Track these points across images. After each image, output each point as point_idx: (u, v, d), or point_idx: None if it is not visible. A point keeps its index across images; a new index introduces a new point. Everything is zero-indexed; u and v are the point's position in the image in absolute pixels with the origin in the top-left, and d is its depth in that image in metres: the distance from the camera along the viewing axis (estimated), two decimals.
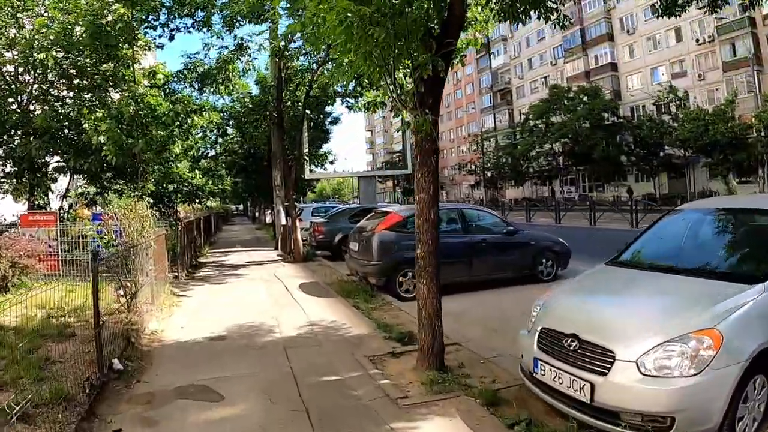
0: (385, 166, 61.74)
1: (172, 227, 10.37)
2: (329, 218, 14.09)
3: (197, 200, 15.14)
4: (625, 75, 41.89)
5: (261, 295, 8.20)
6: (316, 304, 7.47)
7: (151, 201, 13.25)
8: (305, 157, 11.94)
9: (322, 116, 18.30)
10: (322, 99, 12.75)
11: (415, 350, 4.55)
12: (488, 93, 54.15)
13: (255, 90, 15.69)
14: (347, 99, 13.70)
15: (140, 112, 10.40)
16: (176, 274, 9.73)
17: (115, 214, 6.36)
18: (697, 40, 37.44)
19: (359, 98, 13.32)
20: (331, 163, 20.31)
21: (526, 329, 3.70)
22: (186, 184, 15.05)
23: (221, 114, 18.21)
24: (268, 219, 28.72)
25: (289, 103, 12.29)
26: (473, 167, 48.65)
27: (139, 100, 10.29)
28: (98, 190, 13.55)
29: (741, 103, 32.84)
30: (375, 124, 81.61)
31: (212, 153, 19.42)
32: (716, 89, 36.63)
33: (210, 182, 14.51)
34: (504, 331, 5.33)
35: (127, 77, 11.28)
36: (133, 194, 11.80)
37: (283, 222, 14.95)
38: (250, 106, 13.01)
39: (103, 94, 11.39)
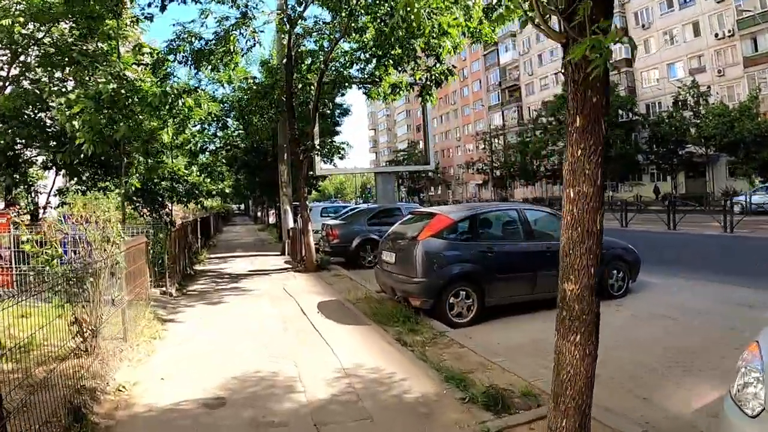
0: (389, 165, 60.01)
1: (163, 232, 8.51)
2: (345, 220, 12.20)
3: (194, 200, 13.19)
4: (640, 71, 40.04)
5: (270, 322, 6.30)
6: (346, 336, 5.58)
7: (138, 200, 11.46)
8: (317, 149, 10.05)
9: (332, 106, 16.43)
10: (339, 81, 10.86)
11: (522, 425, 2.70)
12: (496, 90, 52.28)
13: (258, 76, 13.79)
14: (365, 85, 11.79)
15: (122, 91, 8.50)
16: (164, 288, 7.85)
17: (69, 217, 4.48)
18: (716, 35, 35.63)
19: (379, 83, 11.42)
20: (342, 158, 18.45)
21: (734, 399, 1.90)
22: (182, 182, 13.15)
23: (221, 105, 16.35)
24: (272, 219, 26.82)
25: (300, 86, 10.44)
26: (482, 166, 46.77)
27: (119, 76, 8.38)
28: (81, 187, 11.65)
29: (765, 100, 31.09)
30: (378, 122, 79.72)
31: (211, 147, 17.52)
32: (736, 85, 34.88)
33: (208, 180, 12.62)
34: (634, 383, 3.48)
35: (109, 51, 9.37)
36: (115, 192, 9.95)
37: (291, 224, 13.06)
38: (255, 88, 11.10)
39: (82, 73, 9.48)
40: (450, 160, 61.38)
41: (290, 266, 11.22)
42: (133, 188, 8.69)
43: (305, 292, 8.20)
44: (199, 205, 12.92)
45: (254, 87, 10.32)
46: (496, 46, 51.75)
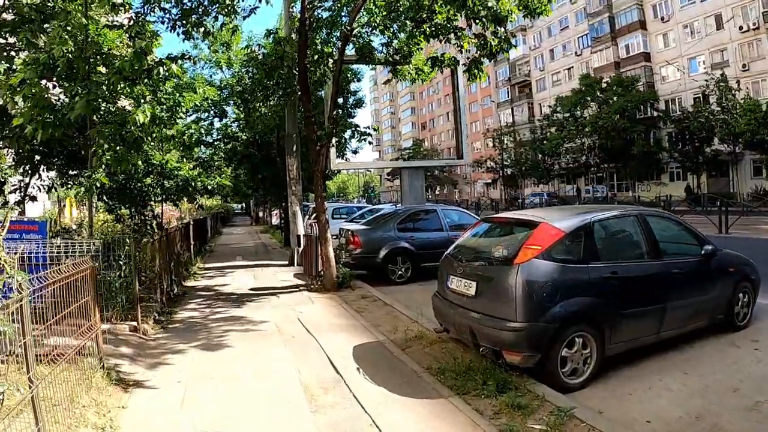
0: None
1: (131, 244, 6.23)
2: (370, 224, 9.92)
3: (187, 198, 10.86)
4: (659, 65, 37.80)
5: (289, 388, 4.00)
6: (413, 422, 3.32)
7: (113, 200, 9.17)
8: (341, 134, 7.75)
9: (346, 93, 14.15)
10: (365, 51, 8.54)
11: None
12: (506, 86, 50.01)
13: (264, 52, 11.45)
14: (394, 58, 9.46)
15: (82, 56, 6.21)
16: (136, 323, 5.57)
17: None
18: (741, 28, 33.49)
19: (408, 59, 9.14)
20: (355, 152, 16.21)
21: None
22: (173, 177, 10.83)
23: (220, 92, 14.06)
24: (274, 220, 24.53)
25: (315, 57, 8.17)
26: (492, 164, 44.51)
27: (77, 33, 6.09)
28: (44, 182, 9.35)
29: None
30: (381, 120, 77.32)
31: (208, 140, 15.20)
32: (762, 80, 32.78)
33: (203, 175, 10.27)
34: None
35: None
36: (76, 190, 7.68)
37: (301, 229, 10.78)
38: (260, 59, 8.77)
39: (34, 34, 7.16)
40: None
41: (303, 283, 8.93)
42: (98, 185, 6.40)
43: (330, 326, 5.92)
44: (195, 205, 10.56)
45: (259, 58, 8.10)
46: None
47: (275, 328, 5.84)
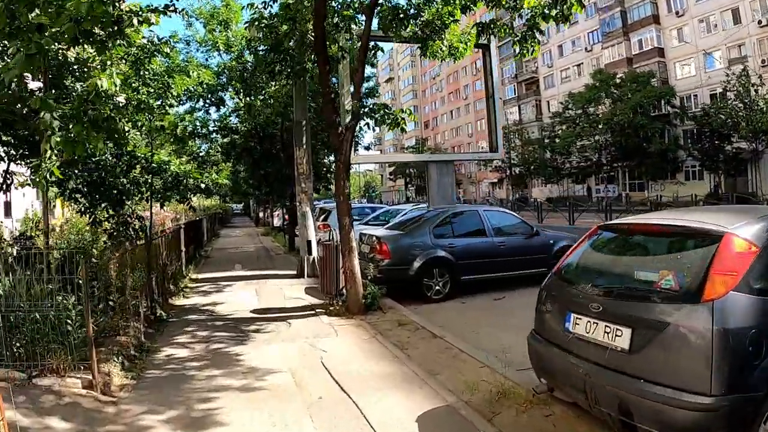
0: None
1: (82, 259, 4.47)
2: (400, 229, 8.13)
3: (178, 197, 8.96)
4: (673, 61, 36.18)
5: None
6: None
7: (82, 198, 7.37)
8: (372, 113, 5.94)
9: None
10: (397, 18, 6.77)
11: None
12: (512, 83, 48.33)
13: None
14: (423, 33, 7.66)
15: None
16: (92, 377, 3.79)
17: None
18: (759, 22, 31.92)
19: (443, 32, 7.39)
20: (367, 149, 14.45)
21: None
22: (163, 174, 9.02)
23: (217, 78, 12.29)
24: (276, 221, 22.73)
25: (335, 21, 6.42)
26: (500, 163, 42.79)
27: None
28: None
29: None
30: None
31: (204, 132, 13.42)
32: None
33: (196, 171, 8.45)
34: None
35: None
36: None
37: (312, 234, 9.01)
38: (265, 23, 6.99)
39: None
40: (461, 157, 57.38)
41: (318, 302, 7.13)
42: (49, 177, 4.62)
43: (370, 376, 4.13)
44: (187, 206, 8.72)
45: (264, 21, 6.36)
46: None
47: (291, 380, 4.05)
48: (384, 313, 6.42)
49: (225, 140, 13.77)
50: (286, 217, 19.36)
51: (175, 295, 7.66)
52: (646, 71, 35.02)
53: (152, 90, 10.25)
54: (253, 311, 6.68)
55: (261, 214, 30.12)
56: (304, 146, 9.13)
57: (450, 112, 57.28)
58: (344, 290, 6.63)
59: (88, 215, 7.53)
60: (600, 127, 32.19)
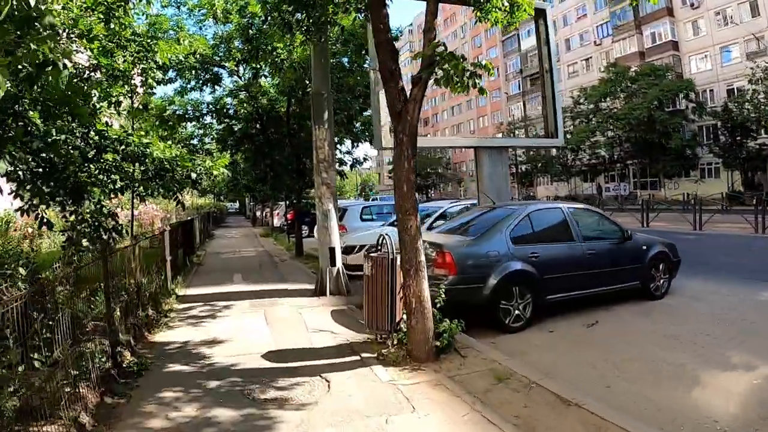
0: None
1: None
2: (464, 232, 5.92)
3: (162, 191, 6.60)
4: (687, 55, 34.41)
5: None
6: None
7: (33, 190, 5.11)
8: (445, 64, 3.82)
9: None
10: None
11: None
12: (517, 78, 46.34)
13: None
14: None
15: None
16: None
17: None
18: None
19: None
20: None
21: None
22: (142, 160, 6.67)
23: (213, 50, 10.04)
24: (276, 221, 20.45)
25: None
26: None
27: None
28: None
29: None
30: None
31: (196, 114, 11.13)
32: None
33: (186, 156, 6.27)
34: None
35: None
36: None
37: (336, 239, 6.82)
38: None
39: None
40: (463, 154, 55.24)
41: (358, 337, 4.91)
42: None
43: None
44: (174, 201, 6.37)
45: None
46: (516, 30, 45.81)
47: None
48: (463, 358, 4.25)
49: (221, 126, 11.52)
50: (289, 216, 17.10)
51: (156, 326, 5.41)
52: (660, 65, 33.25)
53: (131, 55, 8.02)
54: (268, 356, 4.45)
55: (258, 214, 27.76)
56: (326, 124, 6.92)
57: (451, 108, 55.23)
58: (401, 325, 4.45)
59: (31, 212, 5.23)
60: (617, 122, 30.24)
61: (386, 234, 4.68)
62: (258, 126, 11.20)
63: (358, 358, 4.34)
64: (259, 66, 6.56)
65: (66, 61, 4.34)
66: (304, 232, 15.79)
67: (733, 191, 27.54)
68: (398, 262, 4.39)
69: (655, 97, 28.92)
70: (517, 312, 5.45)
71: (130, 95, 9.65)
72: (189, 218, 13.47)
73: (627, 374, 4.03)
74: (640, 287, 6.55)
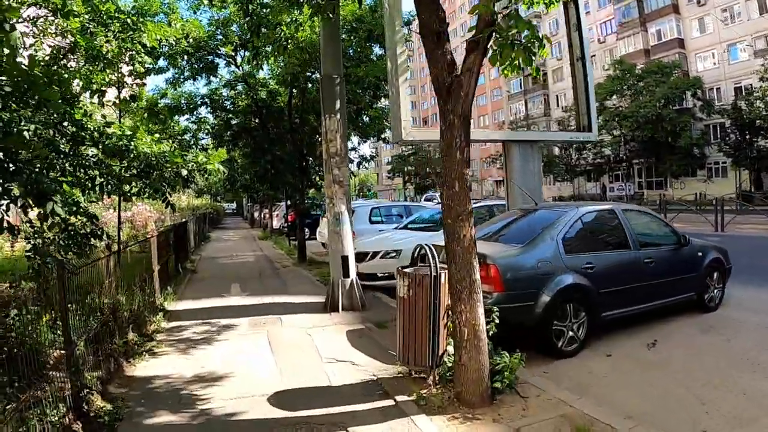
0: (397, 159, 52.95)
1: None
2: (516, 240, 4.92)
3: (149, 190, 5.58)
4: (693, 52, 33.69)
5: None
6: None
7: None
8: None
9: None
10: None
11: None
12: (518, 77, 45.51)
13: None
14: None
15: None
16: None
17: None
18: None
19: None
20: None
21: None
22: (126, 155, 5.63)
23: (208, 33, 9.09)
24: (275, 222, 19.47)
25: None
26: None
27: None
28: None
29: None
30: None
31: (190, 106, 10.15)
32: None
33: (177, 151, 5.33)
34: None
35: None
36: None
37: (349, 246, 5.87)
38: None
39: None
40: None
41: (385, 369, 3.95)
42: None
43: None
44: (162, 202, 5.36)
45: None
46: None
47: None
48: (524, 399, 3.32)
49: (217, 120, 10.55)
50: (289, 217, 16.13)
51: (137, 354, 4.43)
52: (667, 62, 32.52)
53: (114, 35, 7.04)
54: (276, 400, 3.48)
55: (256, 215, 26.74)
56: (338, 114, 5.97)
57: None
58: (444, 358, 3.51)
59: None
60: (623, 121, 29.44)
61: (425, 244, 3.72)
62: (257, 120, 10.23)
63: (391, 402, 3.39)
64: (259, 45, 5.67)
65: (13, 22, 3.40)
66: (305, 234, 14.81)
67: (743, 191, 26.82)
68: (443, 280, 3.45)
69: (663, 94, 28.15)
70: (570, 333, 4.55)
71: (117, 85, 8.66)
72: (183, 220, 12.46)
73: (720, 411, 3.25)
74: (695, 299, 5.71)
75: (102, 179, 5.23)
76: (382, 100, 10.50)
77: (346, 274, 5.96)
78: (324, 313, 6.00)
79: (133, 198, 7.41)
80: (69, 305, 3.39)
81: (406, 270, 3.66)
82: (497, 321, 3.72)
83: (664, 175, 32.63)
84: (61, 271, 3.09)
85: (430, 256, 3.51)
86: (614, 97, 31.16)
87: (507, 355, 3.49)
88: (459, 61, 3.31)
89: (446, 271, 3.45)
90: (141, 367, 4.21)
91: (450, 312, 3.52)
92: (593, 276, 4.70)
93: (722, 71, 32.07)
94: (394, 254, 7.31)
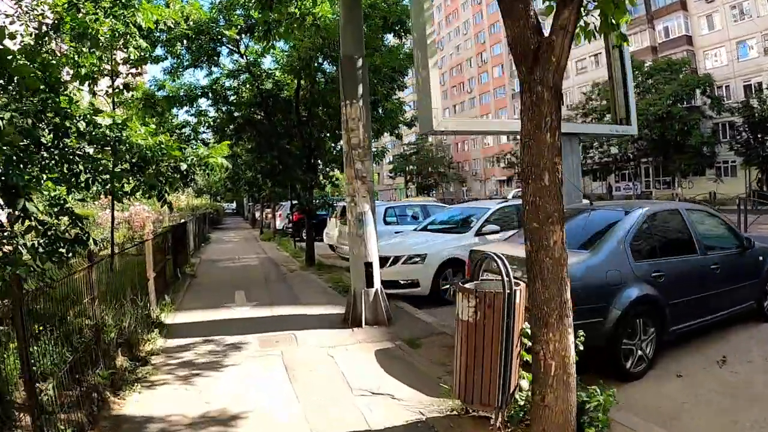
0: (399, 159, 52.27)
1: None
2: (576, 245, 4.17)
3: (143, 187, 4.73)
4: (702, 50, 33.03)
5: None
6: None
7: None
8: None
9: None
10: None
11: None
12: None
13: None
14: None
15: None
16: None
17: None
18: None
19: None
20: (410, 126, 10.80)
21: None
22: (117, 147, 4.79)
23: (210, 15, 8.32)
24: (278, 222, 18.67)
25: None
26: (514, 158, 39.21)
27: None
28: None
29: None
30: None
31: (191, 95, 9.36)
32: None
33: (173, 143, 4.58)
34: None
35: None
36: None
37: (374, 253, 5.11)
38: None
39: None
40: (466, 153, 53.70)
41: (436, 407, 3.19)
42: None
43: None
44: (159, 201, 4.54)
45: None
46: None
47: None
48: None
49: (219, 113, 9.76)
50: (294, 216, 15.35)
51: (128, 384, 3.65)
52: (676, 59, 31.85)
53: (104, 12, 6.28)
54: None
55: (257, 215, 25.93)
56: (361, 100, 5.20)
57: (453, 106, 53.52)
58: (517, 394, 2.75)
59: None
60: (638, 118, 28.71)
61: (493, 253, 2.95)
62: (262, 113, 9.46)
63: None
64: (272, 20, 4.90)
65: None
66: (305, 235, 13.84)
67: (754, 190, 26.16)
68: (518, 300, 2.69)
69: (673, 92, 27.47)
70: (639, 352, 3.86)
71: (110, 75, 7.90)
72: (182, 221, 11.67)
73: None
74: (754, 307, 5.04)
75: (88, 175, 4.47)
76: (398, 92, 9.78)
77: (370, 284, 5.19)
78: (344, 328, 5.22)
79: (128, 197, 6.64)
80: (35, 331, 2.62)
81: (468, 286, 2.89)
82: (580, 347, 2.96)
83: (673, 174, 31.96)
84: (17, 291, 2.31)
85: (503, 268, 2.73)
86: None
87: (597, 390, 2.73)
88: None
89: (522, 288, 2.70)
90: (132, 403, 3.43)
91: (524, 339, 2.77)
92: (662, 285, 4.00)
93: (731, 69, 31.41)
94: (418, 259, 6.55)
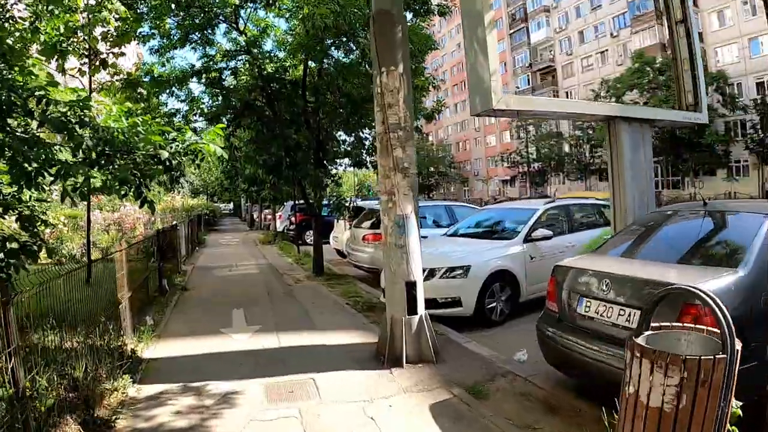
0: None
1: None
2: (691, 258, 2.89)
3: (116, 181, 3.39)
4: (713, 46, 32.01)
5: None
6: None
7: None
8: None
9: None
10: None
11: None
12: (526, 73, 43.63)
13: None
14: None
15: None
16: None
17: None
18: None
19: None
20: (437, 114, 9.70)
21: None
22: (78, 131, 3.48)
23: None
24: (278, 224, 17.33)
25: None
26: (519, 157, 38.04)
27: None
28: None
29: None
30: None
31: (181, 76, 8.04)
32: None
33: (154, 125, 3.38)
34: None
35: None
36: None
37: (417, 270, 3.79)
38: None
39: None
40: (468, 153, 52.45)
41: None
42: None
43: None
44: (137, 202, 3.21)
45: None
46: (525, 23, 43.27)
47: None
48: None
49: (213, 99, 8.46)
50: (295, 218, 14.05)
51: None
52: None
53: None
54: None
55: (256, 216, 24.55)
56: (400, 66, 3.92)
57: (454, 105, 52.27)
58: None
59: None
60: None
61: (686, 286, 1.66)
62: (263, 99, 8.15)
63: None
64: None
65: None
66: (308, 238, 12.52)
67: None
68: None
69: None
70: None
71: (87, 53, 6.61)
72: (173, 223, 10.33)
73: None
74: None
75: (37, 165, 3.17)
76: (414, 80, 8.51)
77: (413, 310, 3.89)
78: (379, 367, 3.92)
79: (96, 194, 5.34)
80: None
81: (643, 342, 1.59)
82: None
83: (684, 173, 30.89)
84: None
85: (719, 313, 1.45)
86: (634, 91, 29.38)
87: None
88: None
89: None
90: None
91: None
92: None
93: (744, 66, 30.43)
94: (460, 272, 5.26)
